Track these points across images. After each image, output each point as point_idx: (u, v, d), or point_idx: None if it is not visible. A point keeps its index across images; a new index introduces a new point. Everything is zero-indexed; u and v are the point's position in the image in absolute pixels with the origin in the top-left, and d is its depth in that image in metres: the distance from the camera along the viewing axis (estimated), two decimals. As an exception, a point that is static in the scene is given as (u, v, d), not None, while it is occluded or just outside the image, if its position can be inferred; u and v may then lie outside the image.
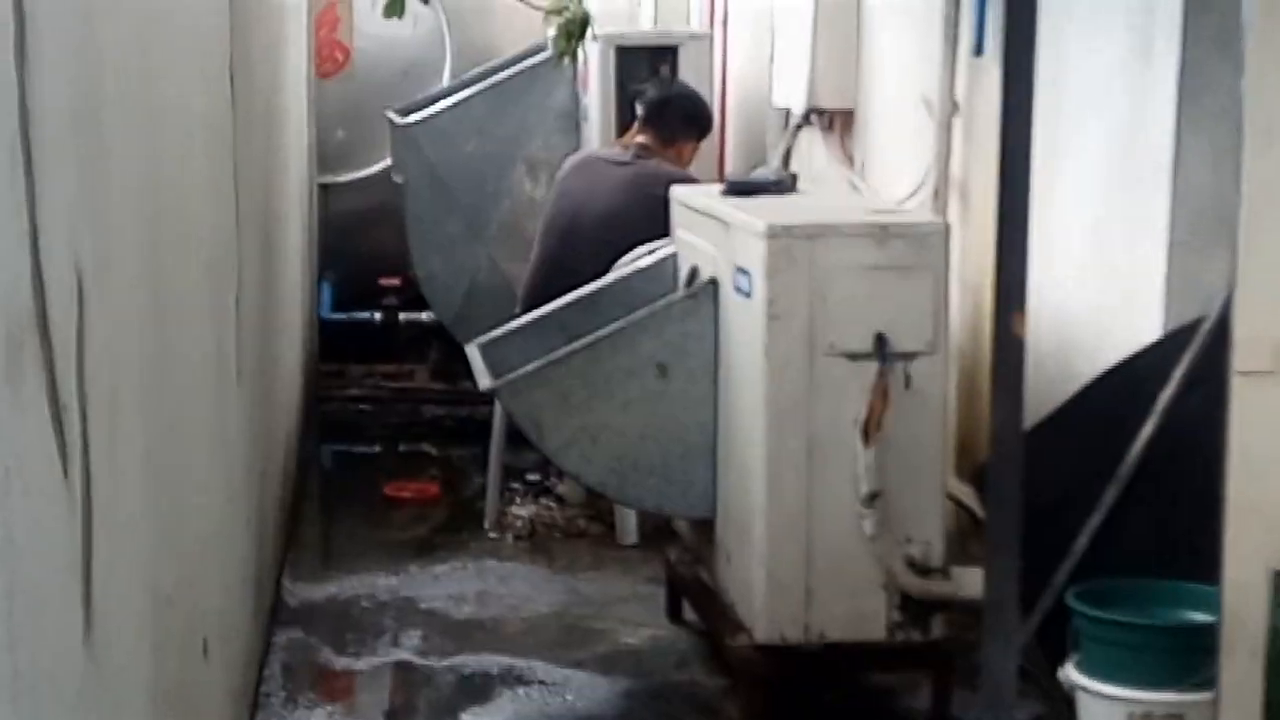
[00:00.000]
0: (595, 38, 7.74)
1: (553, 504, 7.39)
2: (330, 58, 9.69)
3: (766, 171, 6.01)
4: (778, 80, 7.69)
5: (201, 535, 3.79)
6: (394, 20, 8.78)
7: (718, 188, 5.83)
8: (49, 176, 2.03)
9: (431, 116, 8.49)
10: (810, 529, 4.95)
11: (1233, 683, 3.87)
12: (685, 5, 9.41)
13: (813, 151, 7.77)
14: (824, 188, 6.30)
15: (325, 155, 9.55)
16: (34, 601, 1.95)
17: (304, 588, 6.46)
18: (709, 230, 5.48)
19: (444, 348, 9.03)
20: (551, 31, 7.36)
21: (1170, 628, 4.51)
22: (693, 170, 7.39)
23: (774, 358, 4.90)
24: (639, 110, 7.42)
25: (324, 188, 9.54)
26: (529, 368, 5.37)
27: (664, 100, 7.35)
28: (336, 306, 10.02)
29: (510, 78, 8.51)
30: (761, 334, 4.91)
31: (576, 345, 5.35)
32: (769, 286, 4.89)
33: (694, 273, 5.66)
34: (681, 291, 5.50)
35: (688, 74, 8.17)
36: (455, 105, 8.51)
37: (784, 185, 5.79)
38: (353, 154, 9.63)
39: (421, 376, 9.76)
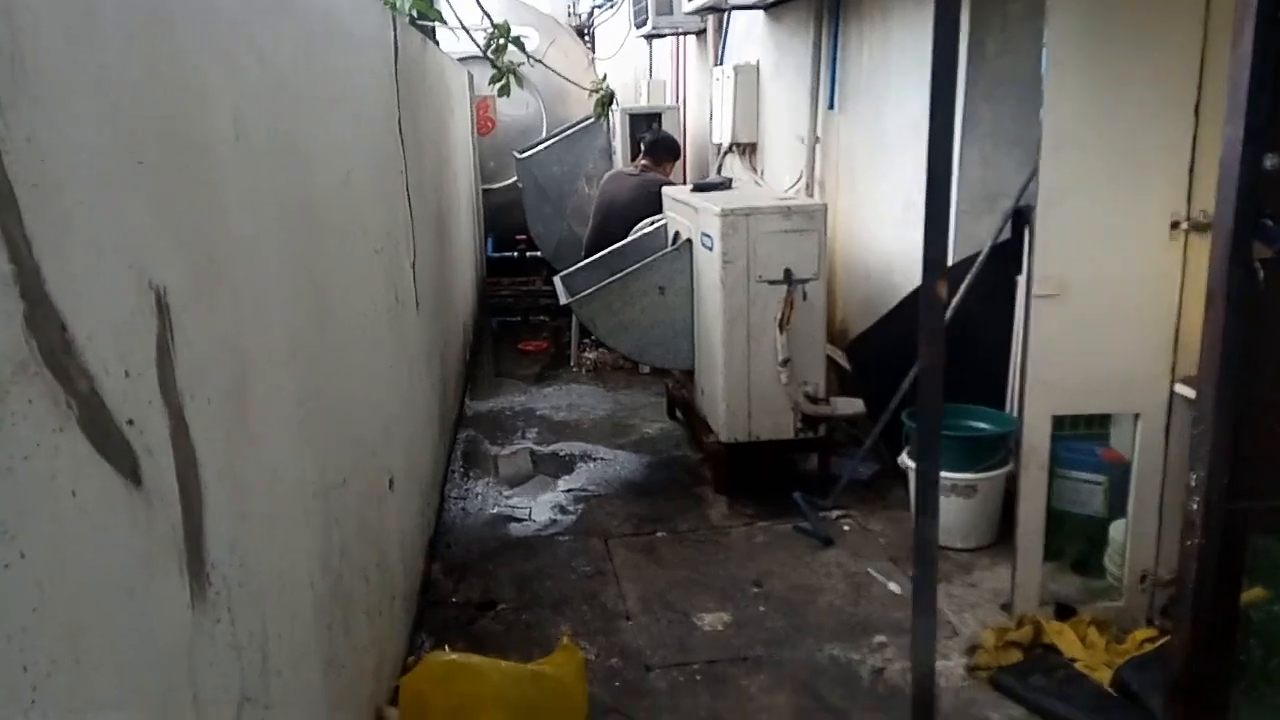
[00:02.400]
0: (617, 107, 6.47)
1: (605, 351, 6.19)
2: (485, 125, 8.44)
3: (715, 178, 4.73)
4: (715, 127, 6.37)
5: (385, 420, 2.66)
6: (515, 104, 7.92)
7: (688, 187, 4.59)
8: (71, 218, 0.85)
9: (536, 153, 7.21)
10: (750, 379, 3.81)
11: (1029, 483, 2.73)
12: (663, 90, 8.05)
13: (733, 166, 6.49)
14: (745, 186, 4.94)
15: (485, 174, 8.38)
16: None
17: (477, 404, 5.32)
18: (686, 211, 4.27)
19: (548, 268, 7.87)
20: (592, 103, 6.04)
21: (965, 437, 3.38)
22: (672, 177, 6.22)
23: (727, 285, 3.72)
24: (642, 146, 6.19)
25: (486, 191, 8.35)
26: (587, 290, 4.17)
27: (655, 141, 6.08)
28: (495, 249, 8.86)
29: (575, 132, 7.22)
30: (719, 271, 3.72)
31: (613, 278, 4.16)
32: (724, 245, 3.70)
33: (677, 235, 4.46)
34: (671, 247, 4.28)
35: (667, 126, 6.87)
36: (547, 148, 7.23)
37: (726, 185, 4.56)
38: (498, 173, 8.38)
39: (538, 283, 8.58)
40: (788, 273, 3.71)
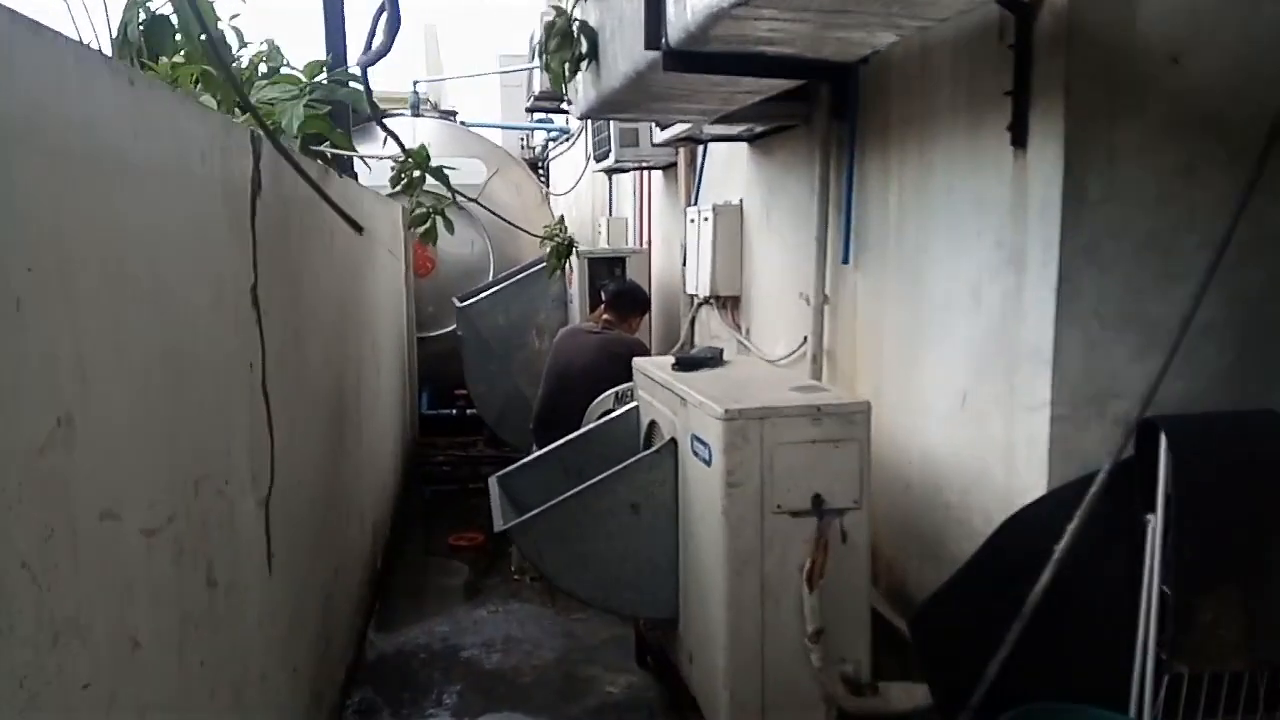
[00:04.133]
0: (578, 256, 5.48)
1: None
2: (424, 265, 7.46)
3: (702, 350, 3.64)
4: (689, 275, 5.37)
5: None
6: (458, 242, 7.08)
7: (667, 360, 3.50)
8: None
9: (477, 301, 6.19)
10: (764, 658, 2.61)
11: None
12: (625, 230, 7.12)
13: (710, 322, 5.48)
14: (741, 363, 3.85)
15: (423, 320, 7.34)
16: None
17: (384, 639, 4.00)
18: (666, 398, 3.16)
19: (490, 431, 6.69)
20: (545, 251, 4.92)
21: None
22: (640, 333, 5.20)
23: (732, 517, 2.58)
24: (604, 296, 5.20)
25: (422, 339, 7.27)
26: (532, 514, 2.99)
27: (620, 292, 5.09)
28: (430, 405, 7.68)
29: (526, 276, 6.23)
30: (721, 498, 2.58)
31: (568, 494, 2.97)
32: (727, 460, 2.57)
33: (652, 426, 3.35)
34: (648, 450, 3.12)
35: (632, 272, 5.89)
36: (493, 295, 6.22)
37: (717, 359, 3.48)
38: (438, 319, 7.35)
39: (480, 445, 7.39)
40: (818, 501, 2.58)
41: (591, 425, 3.64)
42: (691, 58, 2.42)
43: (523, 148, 13.10)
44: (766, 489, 2.58)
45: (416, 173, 2.86)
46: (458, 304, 6.25)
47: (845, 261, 3.70)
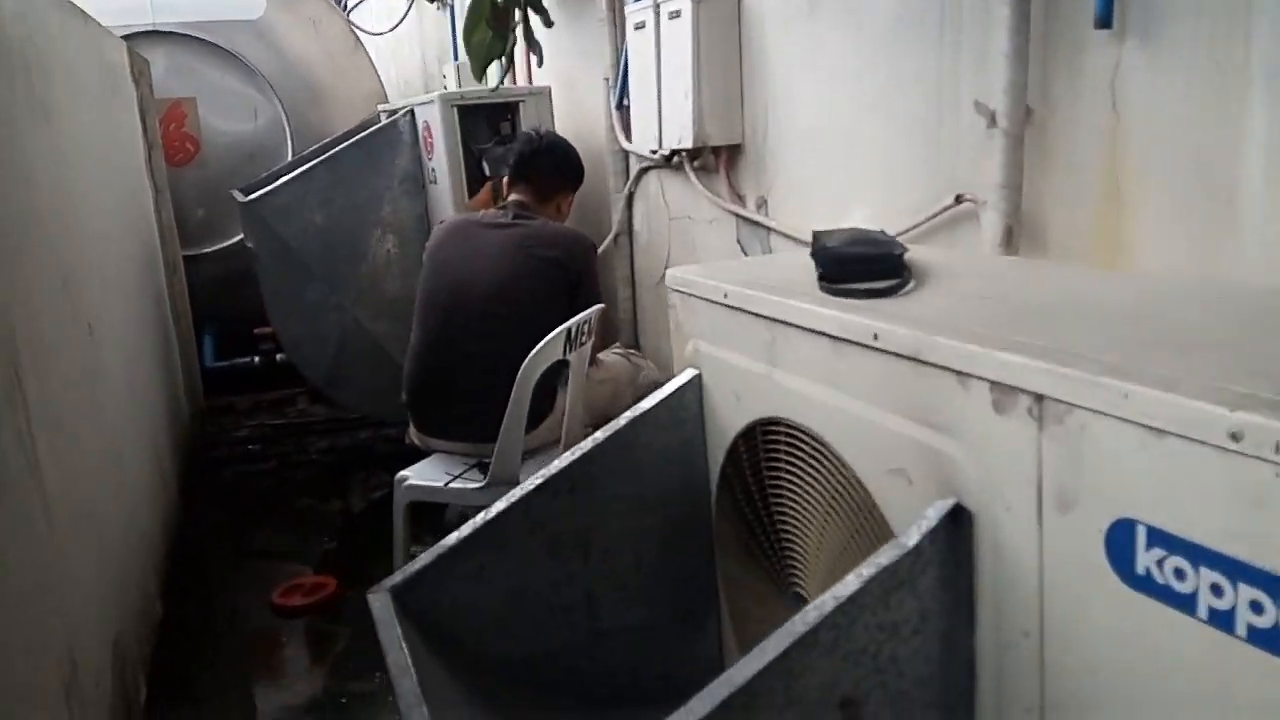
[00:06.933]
0: (443, 102, 3.20)
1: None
2: (181, 149, 4.91)
3: (855, 236, 1.55)
4: (637, 123, 3.23)
5: None
6: (235, 113, 4.64)
7: (778, 269, 1.44)
8: None
9: (271, 192, 3.74)
10: None
11: None
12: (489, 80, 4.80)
13: (667, 195, 3.39)
14: (969, 260, 1.80)
15: (190, 232, 4.82)
16: None
17: None
18: (858, 377, 1.12)
19: (320, 389, 4.33)
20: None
21: None
22: (572, 218, 3.06)
23: None
24: (488, 169, 3.03)
25: (192, 259, 4.76)
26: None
27: (533, 152, 2.90)
28: (219, 356, 5.17)
29: (347, 149, 3.84)
30: None
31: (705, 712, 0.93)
32: None
33: (743, 447, 1.30)
34: (882, 558, 1.06)
35: (529, 125, 3.67)
36: (294, 179, 3.78)
37: (898, 260, 1.43)
38: (214, 228, 4.88)
39: (301, 403, 5.07)
40: None
41: (598, 439, 1.52)
42: None
43: None
44: None
45: None
46: (241, 199, 3.81)
47: (1106, 23, 1.69)
